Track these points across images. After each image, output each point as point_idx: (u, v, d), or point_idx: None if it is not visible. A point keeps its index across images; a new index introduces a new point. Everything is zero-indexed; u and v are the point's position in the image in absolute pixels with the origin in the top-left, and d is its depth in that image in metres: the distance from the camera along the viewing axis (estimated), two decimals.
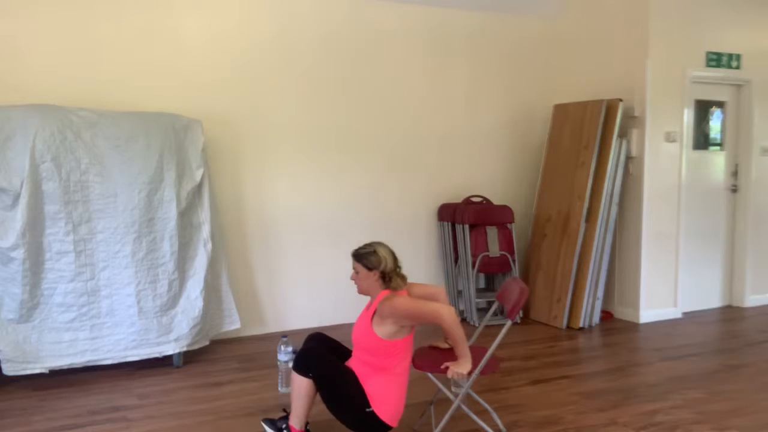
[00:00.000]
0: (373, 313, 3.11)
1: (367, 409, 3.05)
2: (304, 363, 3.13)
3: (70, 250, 4.22)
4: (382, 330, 3.07)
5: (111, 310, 4.34)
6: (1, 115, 4.13)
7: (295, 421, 3.19)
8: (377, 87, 5.78)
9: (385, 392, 3.08)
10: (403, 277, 3.22)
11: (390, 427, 3.11)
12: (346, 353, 3.31)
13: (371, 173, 5.79)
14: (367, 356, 3.12)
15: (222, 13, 5.18)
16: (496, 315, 5.53)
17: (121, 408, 3.86)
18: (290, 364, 4.09)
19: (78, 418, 3.71)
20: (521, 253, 6.21)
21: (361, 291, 3.24)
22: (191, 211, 4.64)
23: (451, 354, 3.14)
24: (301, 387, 3.13)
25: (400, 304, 3.07)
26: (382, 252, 3.18)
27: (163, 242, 4.46)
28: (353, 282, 3.24)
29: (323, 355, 3.18)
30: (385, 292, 3.14)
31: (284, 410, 3.47)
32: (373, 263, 3.15)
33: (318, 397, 3.16)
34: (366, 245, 3.24)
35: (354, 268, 3.21)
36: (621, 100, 5.63)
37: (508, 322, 3.08)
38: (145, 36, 4.93)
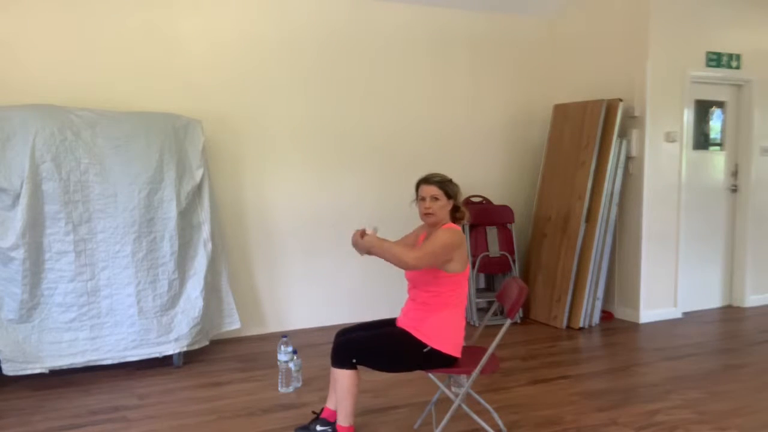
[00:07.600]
0: None
1: (425, 350, 3.05)
2: (341, 354, 3.09)
3: (70, 250, 4.22)
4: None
5: (111, 310, 4.33)
6: (1, 115, 4.13)
7: (344, 419, 3.13)
8: (377, 87, 5.78)
9: (444, 327, 3.08)
10: (465, 208, 3.24)
11: (456, 359, 3.11)
12: (387, 322, 3.29)
13: (371, 173, 5.79)
14: (425, 292, 3.11)
15: (222, 14, 5.18)
16: (496, 315, 5.55)
17: (121, 408, 3.86)
18: (290, 364, 4.11)
19: (78, 418, 3.71)
20: (521, 253, 6.21)
21: (436, 221, 3.14)
22: (191, 211, 4.64)
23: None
24: (344, 382, 3.06)
25: (439, 236, 3.03)
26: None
27: (163, 242, 4.46)
28: (429, 212, 3.12)
29: (354, 338, 3.17)
30: (449, 225, 3.13)
31: (313, 412, 3.49)
32: (453, 192, 3.14)
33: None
34: (439, 173, 3.18)
35: (434, 196, 3.11)
36: (621, 100, 5.63)
37: (508, 321, 3.07)
38: (145, 36, 4.93)
